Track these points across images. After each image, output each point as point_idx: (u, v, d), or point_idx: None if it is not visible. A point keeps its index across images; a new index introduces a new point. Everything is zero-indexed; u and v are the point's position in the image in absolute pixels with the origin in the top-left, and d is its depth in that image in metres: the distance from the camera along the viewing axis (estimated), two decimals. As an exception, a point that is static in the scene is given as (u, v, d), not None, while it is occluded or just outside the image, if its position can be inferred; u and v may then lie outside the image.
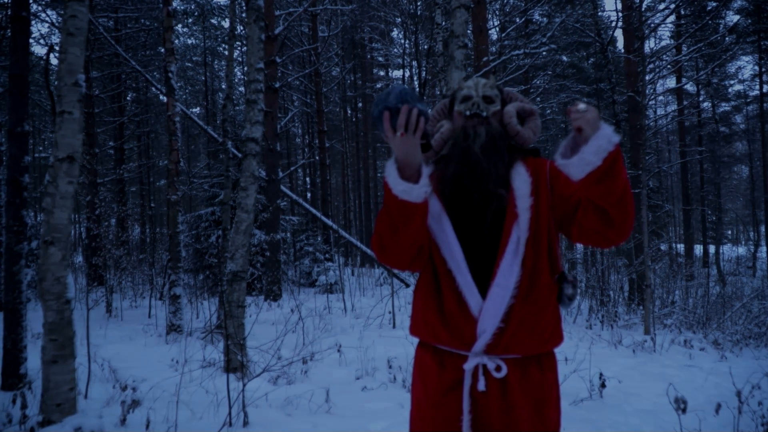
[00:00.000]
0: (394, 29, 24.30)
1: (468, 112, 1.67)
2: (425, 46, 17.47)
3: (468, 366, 1.58)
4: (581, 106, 1.44)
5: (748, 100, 26.16)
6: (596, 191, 1.46)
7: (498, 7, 17.10)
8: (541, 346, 1.61)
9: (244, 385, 4.04)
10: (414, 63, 18.78)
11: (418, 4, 17.56)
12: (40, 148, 27.65)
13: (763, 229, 29.52)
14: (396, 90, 1.48)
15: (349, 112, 27.22)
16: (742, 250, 30.97)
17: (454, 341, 1.60)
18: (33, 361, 4.92)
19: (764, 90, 21.07)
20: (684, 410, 3.31)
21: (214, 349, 6.38)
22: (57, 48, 7.21)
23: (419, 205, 1.51)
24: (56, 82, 3.77)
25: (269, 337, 6.65)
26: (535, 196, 1.61)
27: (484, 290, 1.57)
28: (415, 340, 1.78)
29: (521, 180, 1.62)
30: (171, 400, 4.19)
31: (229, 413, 3.86)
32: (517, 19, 15.65)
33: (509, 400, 1.57)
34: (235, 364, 5.19)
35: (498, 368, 1.56)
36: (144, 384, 4.75)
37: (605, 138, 1.41)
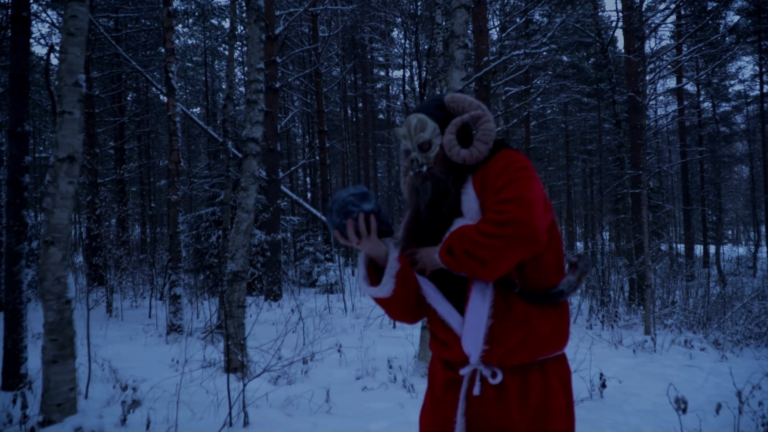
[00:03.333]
0: (395, 29, 24.28)
1: (411, 173, 1.70)
2: (425, 47, 17.46)
3: (464, 371, 1.58)
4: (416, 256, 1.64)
5: (749, 100, 26.13)
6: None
7: (498, 7, 17.09)
8: (539, 351, 1.56)
9: (245, 385, 4.04)
10: (414, 63, 18.77)
11: (419, 4, 17.55)
12: (41, 148, 27.66)
13: (763, 229, 29.50)
14: (336, 207, 1.53)
15: (350, 112, 27.20)
16: (742, 250, 30.94)
17: (453, 356, 1.63)
18: (33, 361, 4.93)
19: (764, 90, 21.05)
20: (684, 410, 3.31)
21: (215, 349, 6.38)
22: (57, 48, 7.21)
23: (391, 298, 1.61)
24: (56, 82, 3.77)
25: (269, 337, 6.65)
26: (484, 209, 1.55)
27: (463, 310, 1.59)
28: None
29: (468, 200, 1.58)
30: (171, 400, 4.19)
31: (230, 413, 3.86)
32: (518, 20, 15.64)
33: (505, 406, 1.54)
34: (235, 364, 5.19)
35: (494, 374, 1.55)
36: (144, 384, 4.75)
37: (434, 263, 1.59)
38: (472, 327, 1.53)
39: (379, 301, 1.66)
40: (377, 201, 1.55)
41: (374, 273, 1.65)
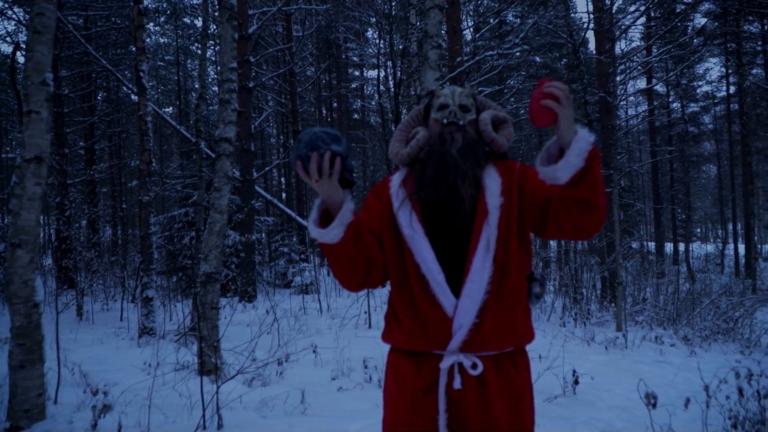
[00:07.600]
0: (369, 29, 24.29)
1: (445, 121, 1.71)
2: (400, 47, 17.48)
3: (444, 364, 1.58)
4: (559, 86, 1.48)
5: (716, 101, 26.73)
6: (580, 188, 1.49)
7: (472, 8, 17.19)
8: (516, 341, 1.65)
9: (218, 388, 4.00)
10: (389, 63, 18.80)
11: (393, 4, 17.57)
12: (8, 149, 26.96)
13: (730, 226, 30.17)
14: (306, 137, 1.51)
15: (324, 112, 27.13)
16: (710, 247, 31.61)
17: (430, 343, 1.61)
18: (0, 367, 4.81)
19: (731, 91, 21.57)
20: (654, 405, 3.36)
21: (188, 352, 6.30)
22: (24, 46, 7.05)
23: (337, 245, 1.56)
24: (23, 81, 3.69)
25: (244, 338, 6.59)
26: (506, 196, 1.65)
27: (456, 290, 1.60)
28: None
29: (492, 180, 1.66)
30: (143, 404, 4.12)
31: (203, 416, 3.82)
32: (491, 20, 15.77)
33: (487, 398, 1.58)
34: (209, 366, 5.13)
35: (474, 366, 1.58)
36: (116, 388, 4.68)
37: (584, 140, 1.46)
38: (471, 296, 1.58)
39: (326, 249, 1.60)
40: (348, 148, 1.55)
41: (326, 222, 1.60)
